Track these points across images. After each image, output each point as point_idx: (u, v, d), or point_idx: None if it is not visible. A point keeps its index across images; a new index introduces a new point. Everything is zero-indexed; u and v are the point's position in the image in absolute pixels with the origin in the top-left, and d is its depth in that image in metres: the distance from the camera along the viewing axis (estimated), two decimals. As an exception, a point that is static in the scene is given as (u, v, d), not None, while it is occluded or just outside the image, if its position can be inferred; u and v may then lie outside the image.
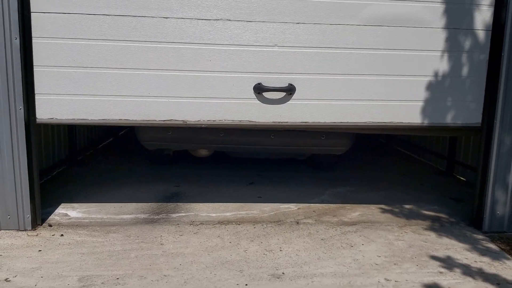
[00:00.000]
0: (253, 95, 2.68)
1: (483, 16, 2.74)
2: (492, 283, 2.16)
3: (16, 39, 2.42)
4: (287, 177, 3.99)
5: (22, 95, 2.47)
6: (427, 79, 2.81)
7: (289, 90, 2.65)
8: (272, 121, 2.73)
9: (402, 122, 2.83)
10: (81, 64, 2.53)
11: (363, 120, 2.79)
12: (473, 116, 2.86)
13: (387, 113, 2.80)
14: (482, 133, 2.85)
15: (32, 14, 2.45)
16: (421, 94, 2.81)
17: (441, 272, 2.25)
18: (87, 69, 2.54)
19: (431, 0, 2.70)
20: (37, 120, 2.56)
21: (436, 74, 2.81)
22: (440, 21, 2.74)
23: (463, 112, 2.86)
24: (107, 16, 2.51)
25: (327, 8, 2.63)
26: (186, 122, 2.66)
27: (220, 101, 2.69)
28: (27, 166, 2.56)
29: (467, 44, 2.78)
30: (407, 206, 3.35)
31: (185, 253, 2.36)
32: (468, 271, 2.28)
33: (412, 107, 2.82)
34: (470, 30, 2.77)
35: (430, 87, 2.82)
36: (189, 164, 4.22)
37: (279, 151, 3.69)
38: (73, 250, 2.34)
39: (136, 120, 2.63)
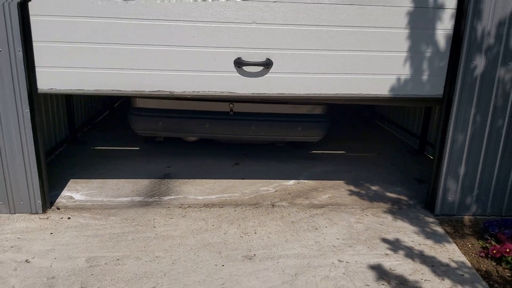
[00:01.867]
0: (234, 69, 2.96)
1: None
2: (427, 264, 2.62)
3: (16, 18, 2.64)
4: (270, 157, 4.37)
5: (23, 68, 2.74)
6: (394, 54, 3.06)
7: (267, 64, 2.93)
8: (251, 92, 3.03)
9: (369, 93, 3.13)
10: (76, 39, 2.78)
11: (334, 92, 3.10)
12: (436, 88, 3.15)
13: (356, 85, 3.10)
14: (443, 104, 3.16)
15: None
16: (388, 68, 3.08)
17: (387, 254, 2.70)
18: (82, 44, 2.79)
19: None
20: (38, 90, 2.84)
21: (401, 50, 3.06)
22: (407, 0, 2.96)
23: (427, 84, 3.15)
24: None
25: None
26: (172, 92, 2.98)
27: (204, 74, 2.97)
28: (34, 151, 2.90)
29: (432, 21, 3.01)
30: (374, 188, 3.76)
31: (174, 236, 2.79)
32: (411, 253, 2.73)
33: (379, 80, 3.11)
34: (435, 8, 2.99)
35: (396, 61, 3.08)
36: (179, 144, 4.57)
37: (260, 139, 4.05)
38: (80, 233, 2.77)
39: (127, 91, 2.93)
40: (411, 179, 4.01)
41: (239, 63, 2.90)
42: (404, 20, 2.98)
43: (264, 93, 3.04)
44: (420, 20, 2.99)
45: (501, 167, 3.24)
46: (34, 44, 2.75)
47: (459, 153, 3.19)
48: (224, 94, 3.00)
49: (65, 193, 3.36)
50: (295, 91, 3.06)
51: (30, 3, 2.67)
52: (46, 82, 2.83)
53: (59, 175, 3.65)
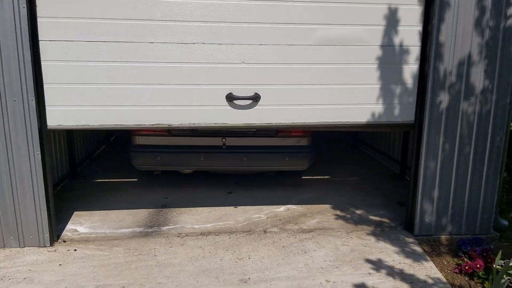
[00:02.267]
0: (226, 103, 3.28)
1: (412, 35, 3.35)
2: (407, 281, 2.88)
3: (27, 62, 2.94)
4: (260, 185, 4.65)
5: (35, 114, 3.01)
6: (369, 86, 3.42)
7: (255, 98, 3.26)
8: (242, 123, 3.34)
9: (349, 121, 3.46)
10: (84, 81, 3.08)
11: (317, 120, 3.42)
12: (408, 115, 3.50)
13: (337, 114, 3.42)
14: (415, 128, 3.50)
15: (40, 42, 2.97)
16: (365, 98, 3.43)
17: (370, 273, 2.96)
18: (89, 85, 3.09)
19: (370, 23, 3.30)
20: (48, 127, 3.10)
21: (376, 82, 3.42)
22: (377, 40, 3.35)
23: (400, 112, 3.50)
24: (104, 43, 3.05)
25: (286, 32, 3.22)
26: (170, 125, 3.27)
27: (199, 108, 3.29)
28: (44, 189, 3.14)
29: (401, 54, 3.39)
30: (358, 212, 4.05)
31: (174, 263, 3.01)
32: (392, 272, 3.00)
33: (357, 109, 3.45)
34: (402, 46, 3.38)
35: (371, 93, 3.44)
36: (175, 176, 4.82)
37: (251, 169, 4.36)
38: (86, 263, 2.98)
39: (129, 125, 3.23)
40: (392, 202, 4.32)
41: (230, 98, 3.23)
42: (376, 59, 3.37)
43: (254, 123, 3.37)
44: (391, 58, 3.39)
45: (471, 189, 3.57)
46: (45, 86, 3.05)
47: (432, 178, 3.52)
48: (217, 125, 3.32)
49: (70, 226, 3.58)
50: (281, 121, 3.40)
51: (41, 50, 2.98)
52: (55, 119, 3.11)
53: (63, 209, 3.87)
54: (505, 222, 3.79)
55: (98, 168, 5.26)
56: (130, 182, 4.69)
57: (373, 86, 3.43)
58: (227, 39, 3.17)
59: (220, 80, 3.24)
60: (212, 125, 3.32)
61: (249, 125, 3.37)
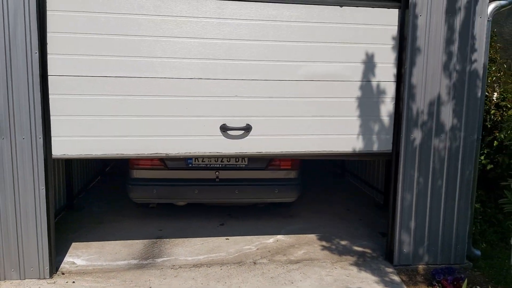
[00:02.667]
0: (220, 133, 3.55)
1: (388, 77, 3.70)
2: (385, 308, 3.09)
3: (37, 101, 3.20)
4: (252, 217, 4.86)
5: (42, 138, 3.24)
6: (351, 118, 3.73)
7: (247, 129, 3.54)
8: (234, 152, 3.61)
9: (332, 150, 3.74)
10: (88, 113, 3.33)
11: (304, 150, 3.70)
12: (386, 145, 3.80)
13: (322, 143, 3.71)
14: (393, 156, 3.80)
15: (49, 77, 3.24)
16: (347, 129, 3.73)
17: (351, 302, 3.17)
18: (91, 117, 3.35)
19: (350, 61, 3.65)
20: (53, 156, 3.33)
21: (357, 114, 3.73)
22: (358, 76, 3.68)
23: (379, 142, 3.80)
24: (107, 78, 3.33)
25: (274, 68, 3.55)
26: (168, 154, 3.52)
27: (194, 137, 3.55)
28: (46, 223, 3.34)
29: (378, 91, 3.73)
30: (343, 242, 4.27)
31: (168, 294, 3.20)
32: (371, 299, 3.21)
33: (341, 139, 3.74)
34: (380, 81, 3.72)
35: (353, 124, 3.74)
36: (169, 207, 5.02)
37: (243, 201, 4.60)
38: (84, 295, 3.15)
39: (129, 154, 3.47)
40: (375, 232, 4.55)
41: (224, 128, 3.51)
42: (356, 95, 3.70)
43: (245, 152, 3.64)
44: (369, 94, 3.72)
45: (445, 221, 3.83)
46: (52, 118, 3.30)
47: (409, 210, 3.78)
48: (212, 154, 3.58)
49: (68, 258, 3.75)
50: (271, 150, 3.68)
51: (50, 84, 3.24)
52: (60, 149, 3.34)
53: (61, 241, 4.03)
54: (478, 252, 4.04)
55: (94, 200, 5.44)
56: (126, 214, 4.88)
57: (354, 118, 3.74)
58: (222, 75, 3.48)
59: (215, 112, 3.53)
60: (207, 154, 3.59)
61: (241, 154, 3.64)
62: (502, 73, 4.79)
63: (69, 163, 4.97)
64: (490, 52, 5.03)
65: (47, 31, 3.21)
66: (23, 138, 3.25)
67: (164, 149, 3.52)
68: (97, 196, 5.62)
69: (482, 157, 4.79)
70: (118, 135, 3.43)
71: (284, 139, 3.68)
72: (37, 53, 3.18)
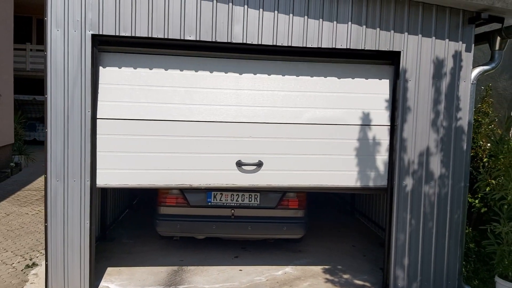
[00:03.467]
0: (235, 168, 4.18)
1: (384, 116, 4.28)
2: (377, 337, 3.51)
3: (88, 135, 3.89)
4: (263, 251, 5.36)
5: (89, 162, 3.90)
6: (351, 157, 4.31)
7: (259, 165, 4.16)
8: (248, 184, 4.21)
9: (334, 184, 4.31)
10: (126, 150, 4.03)
11: (309, 183, 4.28)
12: (382, 180, 4.33)
13: (325, 178, 4.28)
14: (388, 190, 4.30)
15: (97, 120, 3.96)
16: (347, 166, 4.30)
17: (347, 329, 3.60)
18: (129, 153, 4.04)
19: (349, 107, 4.26)
20: (97, 185, 3.99)
21: (355, 154, 4.31)
22: (355, 120, 4.27)
23: (376, 178, 4.34)
24: (143, 121, 4.04)
25: (282, 113, 4.21)
26: (191, 185, 4.15)
27: (213, 171, 4.17)
28: (89, 254, 3.96)
29: (374, 134, 4.31)
30: (345, 276, 4.71)
31: (189, 317, 3.71)
32: (366, 328, 3.63)
33: (342, 174, 4.30)
34: (375, 125, 4.30)
35: (352, 162, 4.32)
36: (190, 240, 5.58)
37: (255, 237, 5.14)
38: (118, 315, 3.70)
39: (159, 185, 4.17)
40: (376, 268, 4.97)
41: (239, 164, 4.13)
42: (356, 134, 4.30)
43: (257, 184, 4.25)
44: (366, 133, 4.30)
45: (436, 259, 4.26)
46: (98, 154, 3.98)
47: (402, 248, 4.24)
48: (228, 185, 4.20)
49: (103, 283, 4.34)
50: (279, 183, 4.27)
51: (97, 126, 3.95)
52: (103, 179, 4.02)
53: (97, 269, 4.61)
54: (469, 288, 4.41)
55: (123, 231, 6.07)
56: (151, 245, 5.47)
57: (353, 156, 4.32)
58: (238, 118, 4.16)
59: (232, 150, 4.18)
60: (224, 185, 4.20)
61: (253, 186, 4.23)
62: (493, 125, 5.27)
63: (104, 196, 5.64)
64: (483, 106, 5.56)
65: (99, 82, 3.98)
66: (74, 181, 3.94)
67: (188, 181, 4.16)
68: (126, 227, 6.25)
69: (477, 201, 5.19)
70: (150, 168, 4.10)
71: (291, 174, 4.26)
72: (90, 112, 3.91)
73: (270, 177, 4.24)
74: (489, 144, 5.49)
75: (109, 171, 4.04)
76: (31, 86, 16.93)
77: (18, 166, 11.03)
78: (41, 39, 17.44)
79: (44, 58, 3.85)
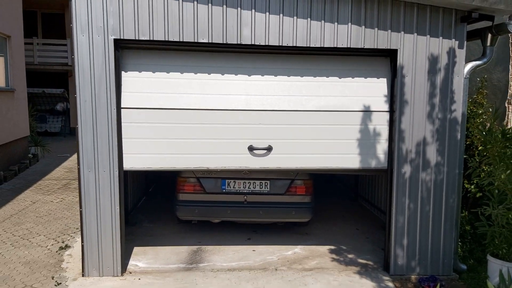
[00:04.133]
0: (248, 152, 4.59)
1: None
2: (377, 306, 3.97)
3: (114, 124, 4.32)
4: (273, 233, 5.82)
5: (117, 154, 4.34)
6: (353, 141, 4.69)
7: (269, 149, 4.57)
8: (258, 166, 4.62)
9: (338, 166, 4.71)
10: (149, 136, 4.44)
11: (315, 166, 4.68)
12: (383, 162, 4.72)
13: (330, 161, 4.67)
14: (388, 171, 4.69)
15: (122, 109, 4.38)
16: (350, 149, 4.67)
17: (351, 300, 4.06)
18: (151, 139, 4.44)
19: (351, 95, 4.63)
20: (124, 169, 4.43)
21: (358, 138, 4.69)
22: (358, 107, 4.64)
23: (377, 160, 4.73)
24: (163, 110, 4.42)
25: (289, 101, 4.58)
26: (208, 168, 4.56)
27: (228, 155, 4.59)
28: (120, 232, 4.42)
29: (375, 119, 4.67)
30: (350, 256, 5.16)
31: (210, 290, 4.20)
32: (367, 299, 4.09)
33: (345, 157, 4.69)
34: (376, 111, 4.65)
35: (355, 145, 4.69)
36: (206, 224, 6.06)
37: (266, 220, 5.60)
38: (148, 288, 4.20)
39: (180, 167, 4.57)
40: (379, 248, 5.41)
41: (251, 148, 4.56)
42: (358, 120, 4.68)
43: (267, 167, 4.65)
44: (368, 119, 4.68)
45: (433, 240, 4.68)
46: (123, 140, 4.39)
47: (401, 230, 4.66)
48: (241, 167, 4.63)
49: (132, 262, 4.83)
50: (288, 165, 4.68)
51: (122, 116, 4.37)
52: (129, 163, 4.45)
53: (125, 249, 5.11)
54: (464, 267, 4.84)
55: (143, 217, 6.55)
56: (170, 229, 5.95)
57: (356, 140, 4.69)
58: (250, 107, 4.55)
59: (244, 136, 4.58)
60: (238, 167, 4.63)
61: (264, 168, 4.65)
62: (487, 115, 5.62)
63: (125, 184, 6.10)
64: (478, 97, 5.91)
65: (122, 75, 4.39)
66: (104, 171, 4.39)
67: (205, 164, 4.58)
68: (145, 213, 6.74)
69: (472, 187, 5.59)
70: (171, 153, 4.52)
71: (298, 157, 4.67)
72: (115, 110, 4.33)
73: (279, 160, 4.64)
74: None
75: (134, 155, 4.45)
76: (39, 79, 17.41)
77: (35, 157, 11.55)
78: (47, 33, 17.94)
79: (72, 61, 4.27)
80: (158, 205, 7.03)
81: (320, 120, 4.63)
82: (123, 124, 4.42)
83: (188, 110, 4.47)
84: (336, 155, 4.69)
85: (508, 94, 6.16)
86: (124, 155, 4.45)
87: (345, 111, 4.64)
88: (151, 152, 4.49)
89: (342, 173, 7.37)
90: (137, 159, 4.47)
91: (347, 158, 4.70)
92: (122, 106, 4.39)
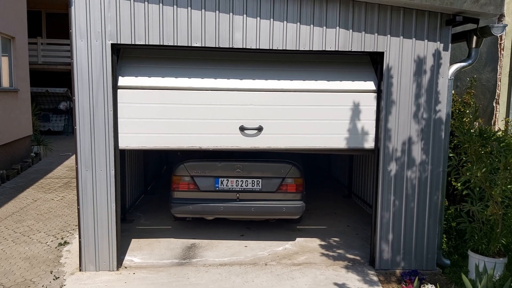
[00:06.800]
0: (239, 132, 4.72)
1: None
2: (361, 299, 4.14)
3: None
4: (265, 229, 6.00)
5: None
6: (342, 121, 4.81)
7: (259, 129, 4.71)
8: (249, 146, 4.75)
9: (326, 146, 4.84)
10: (144, 116, 4.58)
11: (303, 145, 4.81)
12: (370, 142, 4.85)
13: (317, 141, 4.80)
14: (375, 152, 4.83)
15: (118, 89, 4.54)
16: (338, 130, 4.80)
17: (336, 293, 4.24)
18: (146, 119, 4.58)
19: (341, 87, 4.76)
20: (120, 147, 4.59)
21: (346, 119, 4.81)
22: (347, 87, 4.77)
23: (364, 140, 4.86)
24: (157, 90, 4.57)
25: (279, 82, 4.73)
26: (201, 147, 4.70)
27: (220, 135, 4.72)
28: (115, 229, 4.61)
29: (364, 101, 4.80)
30: (338, 251, 5.33)
31: (201, 283, 4.38)
32: (352, 292, 4.26)
33: (332, 137, 4.81)
34: (363, 91, 4.78)
35: (343, 126, 4.82)
36: (200, 221, 6.24)
37: (258, 217, 5.77)
38: (143, 282, 4.38)
39: (173, 147, 4.68)
40: (367, 244, 5.57)
41: (242, 128, 4.70)
42: (349, 101, 4.80)
43: (258, 147, 4.79)
44: (357, 101, 4.81)
45: (417, 235, 4.85)
46: (119, 120, 4.55)
47: (387, 226, 4.83)
48: (233, 147, 4.76)
49: (127, 257, 5.02)
50: (278, 145, 4.81)
51: (119, 95, 4.53)
52: (124, 142, 4.60)
53: (121, 246, 5.31)
54: (447, 261, 5.00)
55: (141, 214, 6.75)
56: (166, 225, 6.14)
57: (344, 121, 4.82)
58: (241, 86, 4.68)
59: (236, 116, 4.72)
60: (229, 147, 4.77)
61: (254, 148, 4.79)
62: (474, 116, 5.76)
63: (123, 183, 6.29)
64: (466, 97, 6.05)
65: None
66: (101, 170, 4.58)
67: (198, 143, 4.71)
68: (143, 211, 6.93)
69: (459, 184, 5.74)
70: (164, 132, 4.65)
71: (288, 137, 4.80)
72: (111, 111, 4.51)
73: (270, 140, 4.77)
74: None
75: (129, 135, 4.60)
76: (43, 78, 17.64)
77: (37, 156, 11.78)
78: (51, 33, 18.15)
79: (71, 65, 4.45)
80: (156, 203, 7.22)
81: (309, 101, 4.76)
82: (119, 105, 4.54)
83: (181, 90, 4.60)
84: (325, 135, 4.82)
85: (496, 94, 6.29)
86: (119, 135, 4.58)
87: (334, 91, 4.78)
88: (145, 131, 4.61)
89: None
90: (132, 138, 4.61)
91: (336, 138, 4.83)
92: (118, 85, 4.52)
